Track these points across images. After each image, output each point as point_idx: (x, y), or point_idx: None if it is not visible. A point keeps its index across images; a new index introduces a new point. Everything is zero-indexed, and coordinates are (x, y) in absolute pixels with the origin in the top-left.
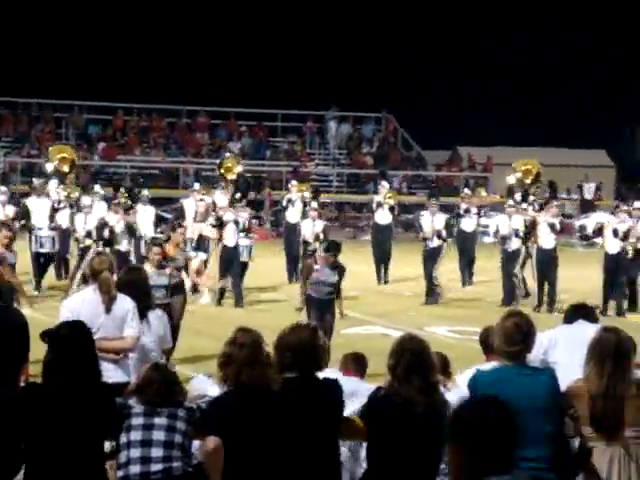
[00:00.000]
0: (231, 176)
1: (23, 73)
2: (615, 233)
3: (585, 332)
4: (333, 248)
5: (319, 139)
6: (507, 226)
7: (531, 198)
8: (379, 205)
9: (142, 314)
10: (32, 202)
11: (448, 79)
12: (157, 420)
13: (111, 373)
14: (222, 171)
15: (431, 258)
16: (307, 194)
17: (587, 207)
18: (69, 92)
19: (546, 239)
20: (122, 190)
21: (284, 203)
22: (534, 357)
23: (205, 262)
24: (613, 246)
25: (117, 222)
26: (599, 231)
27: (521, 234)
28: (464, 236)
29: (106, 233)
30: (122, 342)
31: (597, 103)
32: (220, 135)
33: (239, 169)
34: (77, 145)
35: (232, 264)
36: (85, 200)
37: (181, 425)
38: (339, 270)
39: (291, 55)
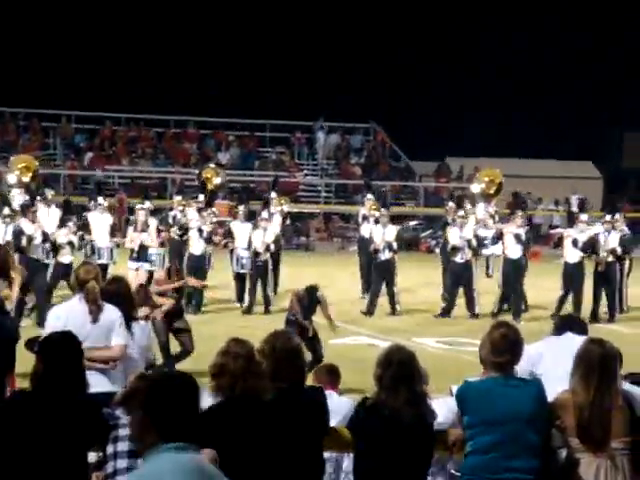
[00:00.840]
0: (210, 186)
1: (10, 82)
2: (574, 243)
3: (572, 343)
4: None
5: (307, 150)
6: (458, 237)
7: (492, 209)
8: (365, 218)
9: (126, 325)
10: (92, 216)
11: (437, 90)
12: None
13: (97, 382)
14: (202, 180)
15: (384, 272)
16: (286, 207)
17: (573, 219)
18: (57, 102)
19: (512, 249)
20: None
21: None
22: (521, 368)
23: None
24: (573, 256)
25: (35, 230)
26: (559, 241)
27: (474, 244)
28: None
29: (23, 241)
30: (109, 351)
31: (584, 113)
32: (208, 145)
33: (218, 180)
34: (65, 155)
35: (199, 272)
36: (6, 210)
37: None
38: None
39: (280, 66)
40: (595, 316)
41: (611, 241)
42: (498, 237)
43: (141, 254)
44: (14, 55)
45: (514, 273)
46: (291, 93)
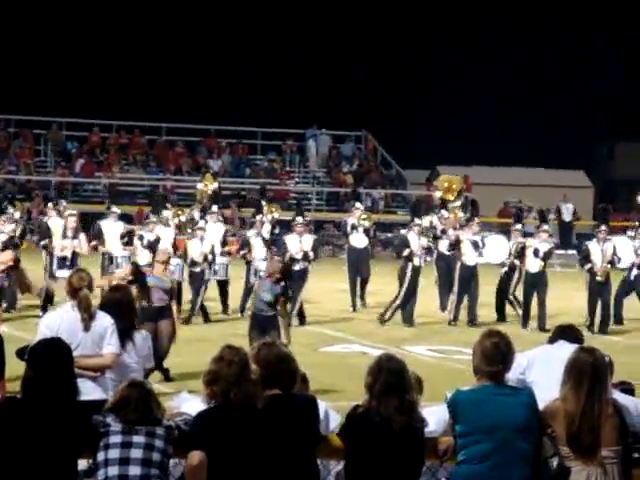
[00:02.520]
0: (207, 191)
1: (1, 90)
2: (536, 253)
3: (562, 352)
4: None
5: (299, 157)
6: (416, 243)
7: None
8: (353, 227)
9: (127, 334)
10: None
11: (428, 98)
12: (135, 438)
13: (89, 390)
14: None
15: (298, 281)
16: (276, 215)
17: (565, 229)
18: (47, 109)
19: (469, 256)
20: None
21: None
22: (512, 377)
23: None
24: (534, 265)
25: None
26: (522, 250)
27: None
28: (443, 258)
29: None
30: (101, 359)
31: (575, 122)
32: (200, 152)
33: (214, 186)
34: (56, 162)
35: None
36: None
37: (159, 443)
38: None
39: (272, 74)
40: (593, 326)
41: (607, 251)
42: (454, 244)
43: (74, 262)
44: (5, 62)
45: (470, 279)
46: (282, 101)
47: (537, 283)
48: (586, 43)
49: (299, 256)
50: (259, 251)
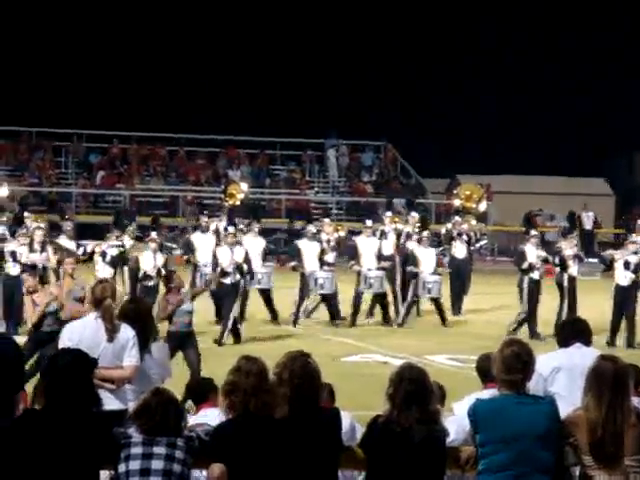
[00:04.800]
0: (234, 202)
1: (22, 102)
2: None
3: (585, 360)
4: None
5: (319, 167)
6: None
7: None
8: (408, 236)
9: (145, 345)
10: (197, 238)
11: (448, 108)
12: (156, 449)
13: (109, 401)
14: (226, 198)
15: (229, 295)
16: (342, 233)
17: (587, 238)
18: (69, 121)
19: (621, 276)
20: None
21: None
22: (534, 385)
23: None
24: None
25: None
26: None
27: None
28: (456, 263)
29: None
30: (121, 371)
31: (596, 130)
32: (220, 163)
33: (241, 196)
34: (77, 174)
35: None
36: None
37: (180, 454)
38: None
39: (291, 84)
40: (614, 340)
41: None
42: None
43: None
44: (26, 75)
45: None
46: (302, 111)
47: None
48: (607, 46)
49: (230, 269)
50: (311, 261)
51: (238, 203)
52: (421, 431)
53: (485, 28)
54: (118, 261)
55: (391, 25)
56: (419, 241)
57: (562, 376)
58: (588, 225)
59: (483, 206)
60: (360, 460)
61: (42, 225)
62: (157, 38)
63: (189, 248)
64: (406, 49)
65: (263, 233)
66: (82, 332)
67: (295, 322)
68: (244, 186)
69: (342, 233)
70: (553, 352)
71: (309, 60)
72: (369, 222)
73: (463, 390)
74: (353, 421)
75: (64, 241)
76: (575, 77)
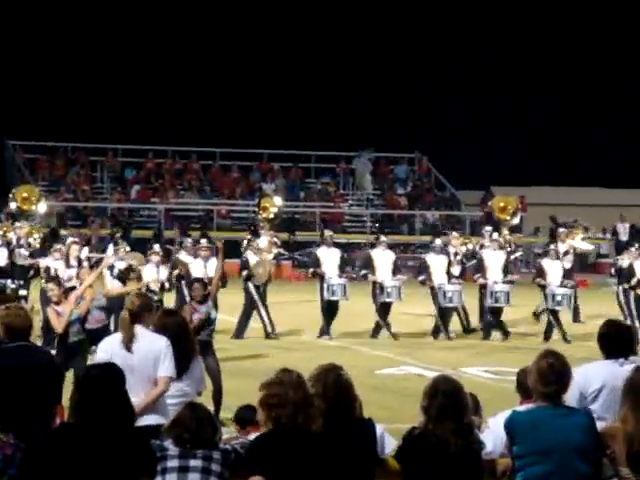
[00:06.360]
0: (268, 215)
1: (58, 117)
2: None
3: (624, 373)
4: None
5: (352, 180)
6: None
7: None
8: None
9: (184, 359)
10: (322, 252)
11: (481, 120)
12: (192, 462)
13: (146, 415)
14: (260, 211)
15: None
16: (470, 246)
17: (623, 249)
18: (104, 136)
19: None
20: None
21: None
22: (571, 397)
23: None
24: None
25: None
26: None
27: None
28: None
29: None
30: (155, 390)
31: (631, 140)
32: (254, 176)
33: (274, 209)
34: (112, 188)
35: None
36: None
37: (216, 467)
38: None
39: (325, 97)
40: None
41: None
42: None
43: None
44: (63, 91)
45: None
46: (336, 124)
47: None
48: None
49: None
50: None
51: (272, 216)
52: (457, 443)
53: (513, 37)
54: (126, 275)
55: (426, 36)
56: (546, 254)
57: (607, 395)
58: (624, 236)
59: (517, 218)
60: (393, 472)
61: (77, 240)
62: (193, 53)
63: (315, 262)
64: (441, 63)
65: (341, 246)
66: (113, 347)
67: (447, 334)
68: (278, 200)
69: (470, 246)
70: (594, 365)
71: (343, 73)
72: (495, 235)
73: (498, 402)
74: (384, 433)
75: (184, 257)
76: (610, 91)
